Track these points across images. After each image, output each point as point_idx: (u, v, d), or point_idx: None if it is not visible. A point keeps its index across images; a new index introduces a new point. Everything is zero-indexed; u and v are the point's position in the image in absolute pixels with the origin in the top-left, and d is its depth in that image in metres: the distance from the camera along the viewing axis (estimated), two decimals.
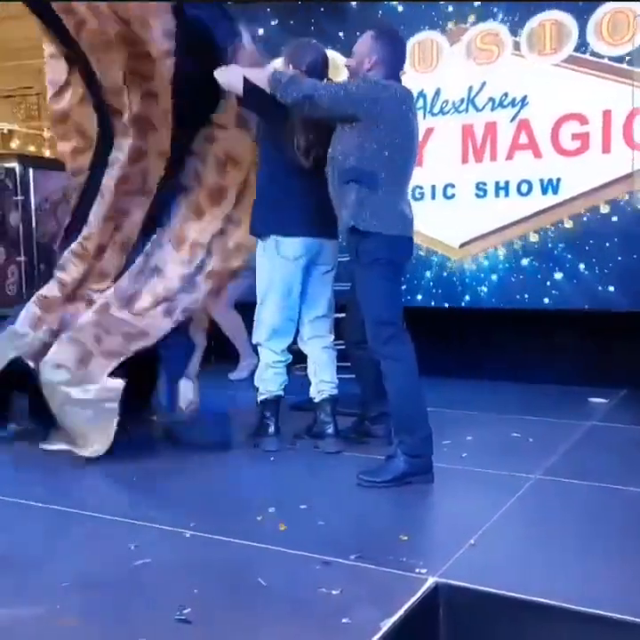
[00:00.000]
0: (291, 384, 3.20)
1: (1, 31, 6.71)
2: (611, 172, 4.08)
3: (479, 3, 4.32)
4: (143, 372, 3.16)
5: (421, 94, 4.45)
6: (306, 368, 3.25)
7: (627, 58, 4.00)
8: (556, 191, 4.24)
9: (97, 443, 2.89)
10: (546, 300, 4.28)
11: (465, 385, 4.37)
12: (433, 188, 4.53)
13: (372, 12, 4.54)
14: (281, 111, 2.81)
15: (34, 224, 4.90)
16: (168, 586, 1.87)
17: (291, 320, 3.13)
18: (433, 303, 4.57)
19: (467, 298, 4.50)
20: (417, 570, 1.91)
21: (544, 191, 4.27)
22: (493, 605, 1.79)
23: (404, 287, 4.38)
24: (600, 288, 4.14)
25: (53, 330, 3.07)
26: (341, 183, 2.69)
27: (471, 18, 4.36)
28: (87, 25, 2.84)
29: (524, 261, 4.33)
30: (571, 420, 3.59)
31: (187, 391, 3.20)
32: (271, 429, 3.13)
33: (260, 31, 4.62)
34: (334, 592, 1.80)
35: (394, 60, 2.75)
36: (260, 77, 2.78)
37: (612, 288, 4.12)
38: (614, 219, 4.10)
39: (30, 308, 3.12)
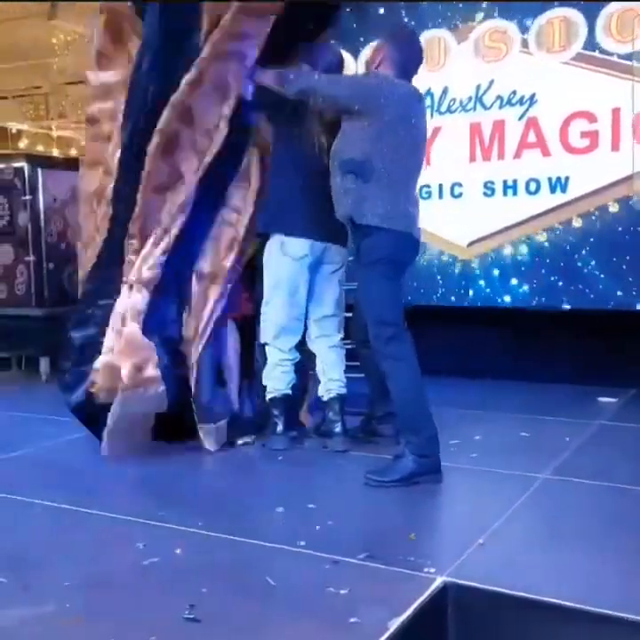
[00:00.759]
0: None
1: (9, 31, 6.75)
2: (620, 171, 4.06)
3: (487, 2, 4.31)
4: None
5: (429, 93, 4.43)
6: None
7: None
8: (564, 190, 4.21)
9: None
10: (554, 299, 4.27)
11: (472, 384, 4.36)
12: (440, 186, 4.52)
13: (387, 12, 4.51)
14: (294, 113, 2.84)
15: (42, 224, 4.91)
16: (176, 585, 1.88)
17: (297, 319, 3.13)
18: (441, 302, 4.56)
19: (474, 297, 4.48)
20: (425, 569, 1.91)
21: (552, 190, 4.24)
22: (502, 605, 1.79)
23: (419, 279, 4.42)
24: (609, 287, 4.12)
25: None
26: (341, 174, 2.70)
27: (479, 15, 4.35)
28: None
29: (533, 260, 4.31)
30: (580, 419, 3.57)
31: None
32: (279, 428, 3.13)
33: None
34: (342, 591, 1.80)
35: (405, 61, 2.75)
36: (268, 75, 2.79)
37: (621, 287, 4.10)
38: (623, 217, 4.07)
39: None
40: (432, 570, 1.90)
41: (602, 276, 4.14)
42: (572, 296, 4.22)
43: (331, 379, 3.15)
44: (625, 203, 4.06)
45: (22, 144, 10.47)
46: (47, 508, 2.47)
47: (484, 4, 4.31)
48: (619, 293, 4.10)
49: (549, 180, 4.24)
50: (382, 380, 2.82)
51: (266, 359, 3.17)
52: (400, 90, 2.70)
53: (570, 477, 2.70)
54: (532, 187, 4.30)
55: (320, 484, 2.77)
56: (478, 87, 4.38)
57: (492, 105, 4.36)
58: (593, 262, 4.16)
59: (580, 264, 4.19)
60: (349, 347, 3.25)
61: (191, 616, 1.69)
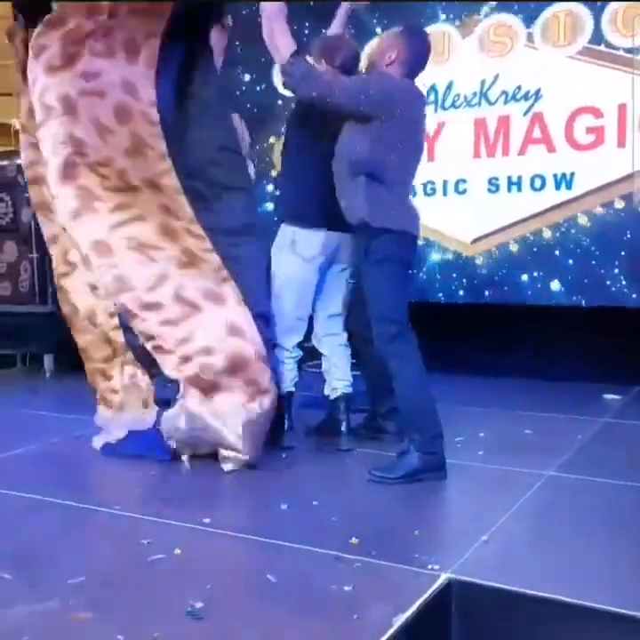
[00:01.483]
0: (302, 381, 3.20)
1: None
2: (625, 167, 4.04)
3: None
4: None
5: (433, 88, 4.42)
6: (317, 365, 3.24)
7: None
8: (569, 186, 4.20)
9: None
10: (559, 296, 4.26)
11: (477, 381, 4.35)
12: (445, 183, 4.51)
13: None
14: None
15: None
16: (181, 581, 1.88)
17: (302, 319, 3.13)
18: (445, 299, 4.55)
19: (479, 293, 4.47)
20: (429, 566, 1.90)
21: (557, 186, 4.23)
22: (506, 602, 1.78)
23: (424, 276, 4.40)
24: (614, 284, 4.11)
25: None
26: (351, 176, 2.68)
27: (484, 10, 4.33)
28: None
29: (537, 257, 4.30)
30: (585, 416, 3.57)
31: None
32: (285, 425, 3.13)
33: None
34: (346, 588, 1.80)
35: (415, 61, 2.72)
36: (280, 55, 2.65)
37: (626, 284, 4.08)
38: (629, 214, 4.05)
39: None
40: (436, 567, 1.90)
41: (606, 273, 4.13)
42: (577, 293, 4.21)
43: (337, 378, 3.15)
44: (630, 199, 4.05)
45: None
46: (52, 504, 2.47)
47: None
48: (625, 290, 4.09)
49: (554, 176, 4.23)
50: (381, 376, 2.81)
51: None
52: (411, 95, 2.70)
53: (575, 475, 2.70)
54: (537, 183, 4.28)
55: (324, 481, 2.76)
56: (483, 82, 4.36)
57: (496, 100, 4.34)
58: (598, 259, 4.15)
59: (584, 261, 4.18)
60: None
61: (195, 612, 1.69)
